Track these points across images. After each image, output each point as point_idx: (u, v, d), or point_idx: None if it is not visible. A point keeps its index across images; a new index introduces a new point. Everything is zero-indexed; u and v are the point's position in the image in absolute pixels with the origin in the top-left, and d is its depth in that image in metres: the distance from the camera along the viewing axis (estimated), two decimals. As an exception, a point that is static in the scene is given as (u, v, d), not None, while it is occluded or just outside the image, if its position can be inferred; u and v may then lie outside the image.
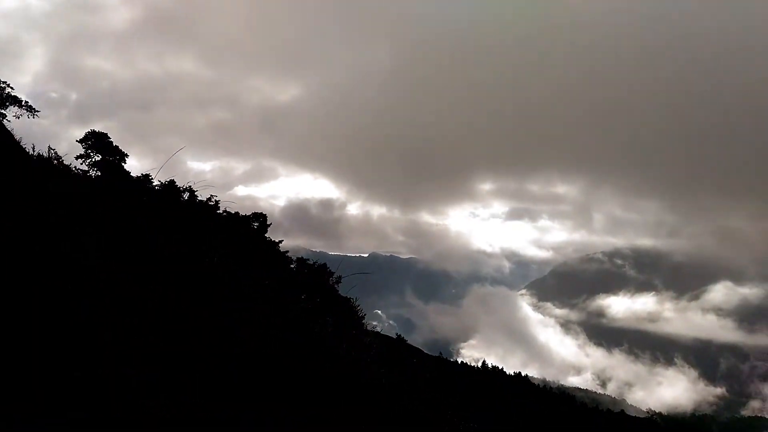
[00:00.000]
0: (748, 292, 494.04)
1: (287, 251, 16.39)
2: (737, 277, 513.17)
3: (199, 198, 14.88)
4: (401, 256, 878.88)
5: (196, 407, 4.75)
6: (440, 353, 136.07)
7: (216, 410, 5.17)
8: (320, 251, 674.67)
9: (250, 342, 7.12)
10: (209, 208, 15.17)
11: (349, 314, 13.88)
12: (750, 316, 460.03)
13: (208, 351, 6.29)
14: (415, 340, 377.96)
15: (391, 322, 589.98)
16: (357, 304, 13.96)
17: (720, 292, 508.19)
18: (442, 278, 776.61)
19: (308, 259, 15.39)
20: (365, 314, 14.53)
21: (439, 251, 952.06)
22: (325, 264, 15.52)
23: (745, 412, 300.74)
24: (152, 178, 13.99)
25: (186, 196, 14.72)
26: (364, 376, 8.83)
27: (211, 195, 15.14)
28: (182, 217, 12.87)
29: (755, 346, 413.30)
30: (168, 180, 14.30)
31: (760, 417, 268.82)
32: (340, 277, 15.06)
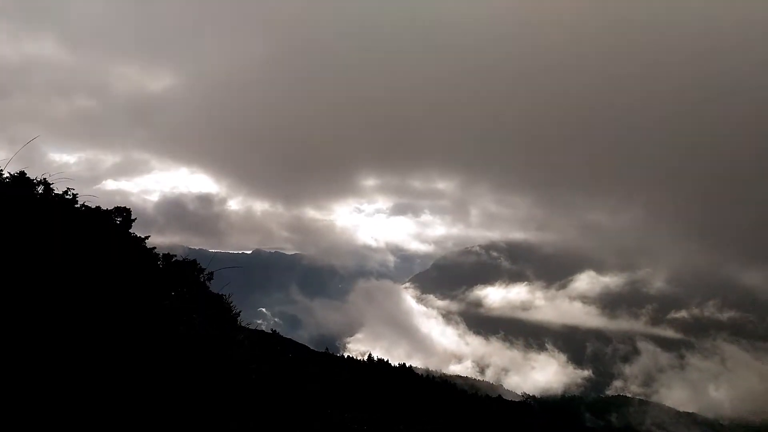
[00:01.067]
0: (609, 280, 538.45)
1: (154, 248, 15.16)
2: (599, 267, 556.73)
3: (55, 191, 13.34)
4: (286, 253, 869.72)
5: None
6: (326, 349, 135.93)
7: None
8: (199, 249, 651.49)
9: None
10: (66, 202, 13.64)
11: (221, 312, 13.10)
12: (611, 302, 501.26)
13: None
14: (301, 336, 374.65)
15: (276, 319, 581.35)
16: (230, 300, 13.17)
17: (585, 281, 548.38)
18: (328, 274, 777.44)
19: (175, 255, 14.32)
20: (240, 311, 13.76)
21: (325, 247, 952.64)
22: (195, 260, 14.52)
23: (609, 392, 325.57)
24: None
25: (41, 189, 13.15)
26: (233, 373, 8.28)
27: (68, 188, 13.62)
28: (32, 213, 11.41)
29: (617, 330, 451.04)
30: (18, 171, 12.69)
31: (622, 396, 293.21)
32: (211, 273, 14.12)
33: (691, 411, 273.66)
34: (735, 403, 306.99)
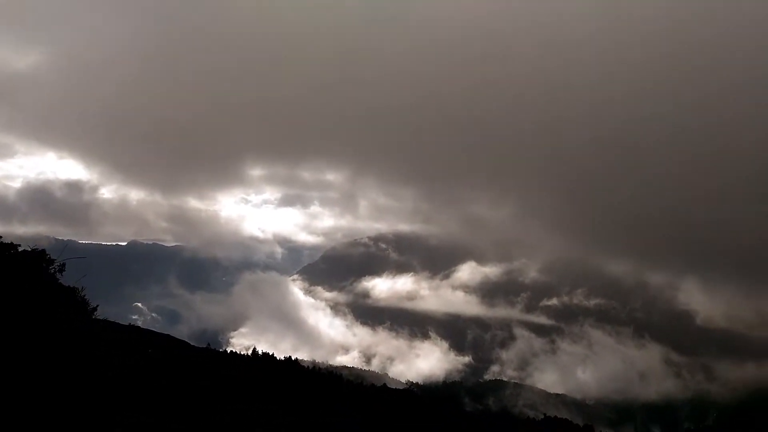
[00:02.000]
0: (489, 270, 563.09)
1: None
2: (480, 258, 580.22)
3: None
4: (166, 244, 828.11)
5: None
6: (208, 344, 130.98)
7: None
8: (68, 240, 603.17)
9: None
10: None
11: (75, 306, 11.59)
12: (490, 291, 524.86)
13: None
14: (180, 331, 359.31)
15: (154, 314, 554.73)
16: (83, 294, 11.65)
17: (466, 272, 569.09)
18: (211, 266, 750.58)
19: (18, 245, 12.49)
20: (97, 305, 12.23)
21: (208, 238, 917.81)
22: (43, 250, 12.72)
23: (487, 376, 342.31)
24: None
25: None
26: (81, 368, 7.12)
27: None
28: None
29: (495, 318, 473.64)
30: None
31: (499, 380, 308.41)
32: (63, 265, 12.45)
33: (560, 392, 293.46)
34: (600, 383, 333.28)
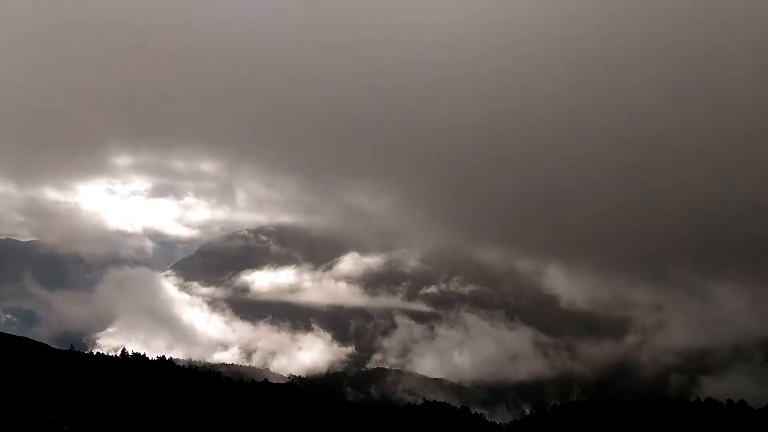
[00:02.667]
0: (371, 261, 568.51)
1: None
2: (362, 248, 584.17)
3: None
4: (20, 239, 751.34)
5: None
6: (71, 346, 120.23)
7: None
8: None
9: None
10: None
11: None
12: (373, 281, 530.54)
13: None
14: (39, 334, 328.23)
15: (9, 316, 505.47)
16: None
17: (349, 263, 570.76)
18: (72, 262, 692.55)
19: None
20: None
21: (68, 232, 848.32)
22: None
23: (370, 365, 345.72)
24: None
25: None
26: None
27: None
28: None
29: (377, 307, 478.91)
30: None
31: (381, 368, 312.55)
32: None
33: (439, 377, 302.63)
34: (475, 366, 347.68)
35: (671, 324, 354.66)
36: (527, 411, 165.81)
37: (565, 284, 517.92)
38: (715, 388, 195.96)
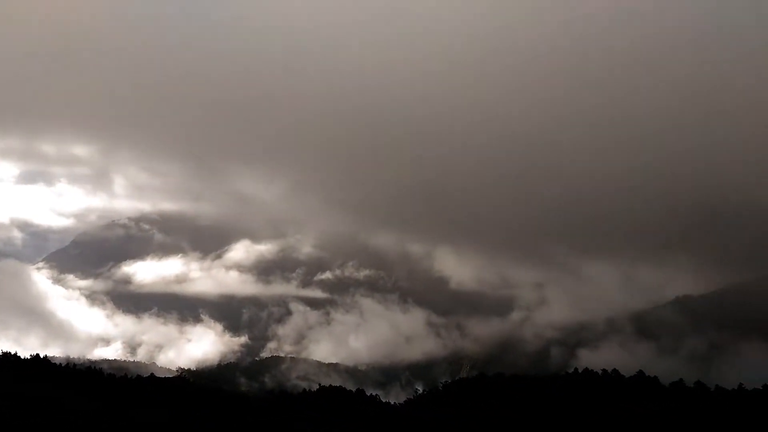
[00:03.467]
0: (264, 248, 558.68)
1: None
2: (254, 235, 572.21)
3: None
4: None
5: None
6: None
7: None
8: None
9: None
10: None
11: None
12: (266, 269, 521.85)
13: None
14: None
15: None
16: None
17: (240, 251, 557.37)
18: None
19: None
20: None
21: None
22: None
23: (264, 354, 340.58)
24: None
25: None
26: None
27: None
28: None
29: (271, 295, 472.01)
30: None
31: (276, 356, 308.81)
32: None
33: (334, 361, 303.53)
34: (371, 349, 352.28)
35: (551, 301, 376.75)
36: (420, 389, 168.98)
37: (454, 266, 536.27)
38: (591, 359, 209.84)
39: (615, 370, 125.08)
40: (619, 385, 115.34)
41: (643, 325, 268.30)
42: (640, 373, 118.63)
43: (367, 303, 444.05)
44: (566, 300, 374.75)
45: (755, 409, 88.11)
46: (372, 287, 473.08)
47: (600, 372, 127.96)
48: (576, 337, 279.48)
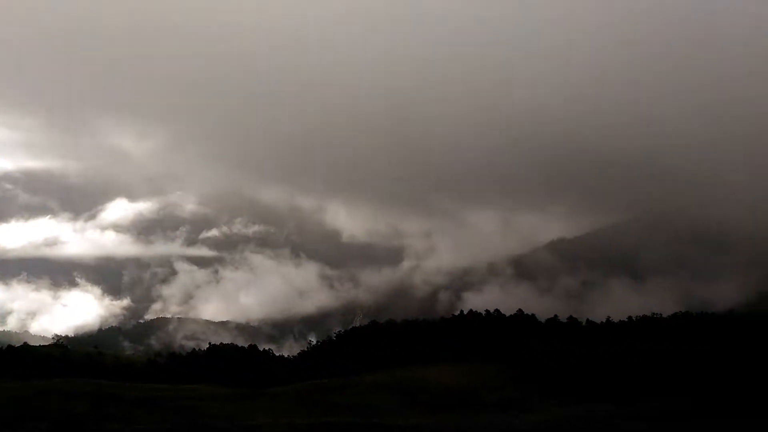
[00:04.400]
0: (142, 206, 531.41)
1: None
2: (130, 193, 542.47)
3: None
4: None
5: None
6: None
7: None
8: None
9: None
10: None
11: None
12: (146, 228, 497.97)
13: None
14: None
15: None
16: None
17: (116, 210, 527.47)
18: None
19: None
20: None
21: None
22: None
23: (149, 316, 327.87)
24: None
25: None
26: None
27: None
28: None
29: (154, 255, 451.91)
30: None
31: (162, 317, 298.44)
32: None
33: (225, 319, 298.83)
34: (263, 305, 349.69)
35: (438, 249, 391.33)
36: (313, 341, 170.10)
37: (345, 219, 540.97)
38: (475, 301, 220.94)
39: (497, 310, 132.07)
40: (501, 323, 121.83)
41: (522, 268, 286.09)
42: (520, 311, 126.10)
43: (258, 259, 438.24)
44: (452, 247, 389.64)
45: (621, 339, 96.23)
46: (262, 243, 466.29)
47: (483, 313, 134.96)
48: (461, 281, 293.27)
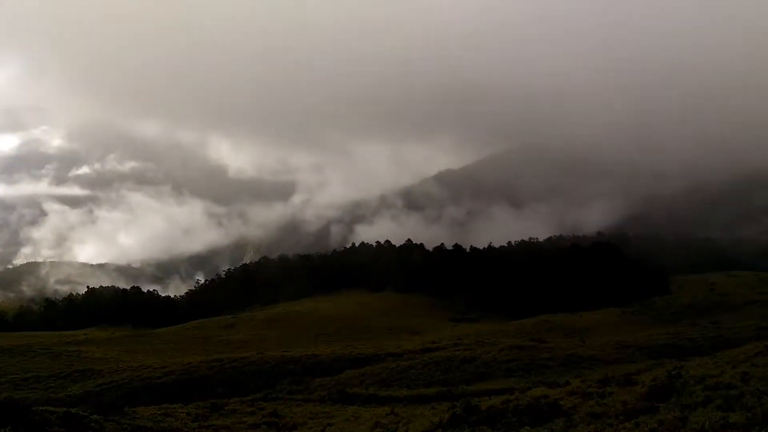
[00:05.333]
0: (2, 142, 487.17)
1: None
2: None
3: None
4: None
5: None
6: None
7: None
8: None
9: None
10: None
11: None
12: (8, 167, 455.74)
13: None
14: None
15: None
16: None
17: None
18: None
19: None
20: None
21: None
22: None
23: (18, 261, 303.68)
24: None
25: None
26: None
27: None
28: None
29: (19, 196, 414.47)
30: None
31: (33, 262, 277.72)
32: None
33: (103, 261, 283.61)
34: (145, 246, 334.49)
35: (329, 182, 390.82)
36: (201, 280, 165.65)
37: (231, 154, 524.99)
38: (367, 233, 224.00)
39: (387, 241, 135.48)
40: (392, 253, 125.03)
41: (411, 199, 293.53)
42: (409, 241, 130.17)
43: (137, 197, 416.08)
44: (343, 181, 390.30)
45: (501, 262, 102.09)
46: (140, 180, 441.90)
47: (375, 244, 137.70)
48: (353, 214, 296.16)
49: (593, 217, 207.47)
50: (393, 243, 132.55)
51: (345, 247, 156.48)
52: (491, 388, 27.69)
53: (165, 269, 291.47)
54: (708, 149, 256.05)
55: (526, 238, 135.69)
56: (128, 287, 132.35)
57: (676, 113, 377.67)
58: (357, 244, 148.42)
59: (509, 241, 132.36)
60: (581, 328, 55.41)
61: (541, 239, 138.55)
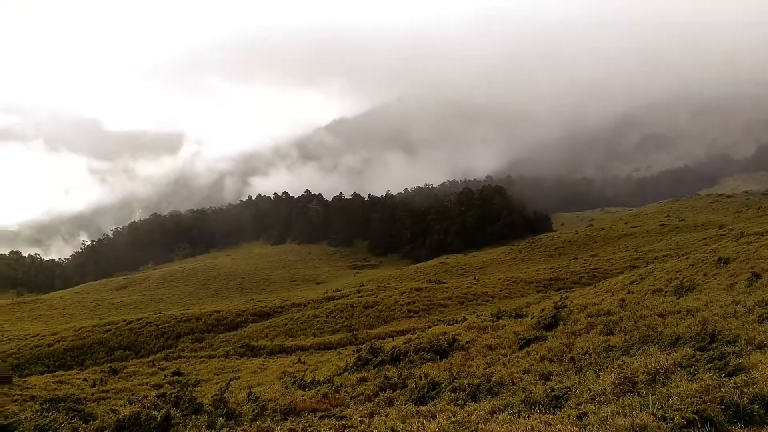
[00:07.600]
0: None
1: None
2: None
3: None
4: None
5: None
6: None
7: None
8: None
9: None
10: None
11: None
12: None
13: None
14: None
15: None
16: None
17: None
18: None
19: None
20: None
21: None
22: None
23: None
24: None
25: None
26: None
27: None
28: None
29: None
30: None
31: None
32: None
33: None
34: (20, 206, 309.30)
35: (220, 133, 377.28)
36: (87, 241, 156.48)
37: (104, 104, 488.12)
38: (263, 185, 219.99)
39: (285, 192, 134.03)
40: (290, 204, 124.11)
41: (306, 149, 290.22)
42: (307, 191, 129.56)
43: (3, 153, 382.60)
44: (234, 132, 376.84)
45: (397, 208, 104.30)
46: (6, 135, 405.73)
47: (272, 196, 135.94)
48: (246, 166, 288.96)
49: (482, 162, 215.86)
50: (291, 194, 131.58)
51: (241, 200, 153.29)
52: (394, 330, 28.95)
53: (45, 231, 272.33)
54: (580, 97, 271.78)
55: (421, 185, 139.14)
56: (6, 252, 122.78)
57: (550, 62, 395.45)
58: (253, 197, 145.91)
59: (406, 188, 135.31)
60: (475, 267, 58.49)
61: (435, 185, 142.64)
